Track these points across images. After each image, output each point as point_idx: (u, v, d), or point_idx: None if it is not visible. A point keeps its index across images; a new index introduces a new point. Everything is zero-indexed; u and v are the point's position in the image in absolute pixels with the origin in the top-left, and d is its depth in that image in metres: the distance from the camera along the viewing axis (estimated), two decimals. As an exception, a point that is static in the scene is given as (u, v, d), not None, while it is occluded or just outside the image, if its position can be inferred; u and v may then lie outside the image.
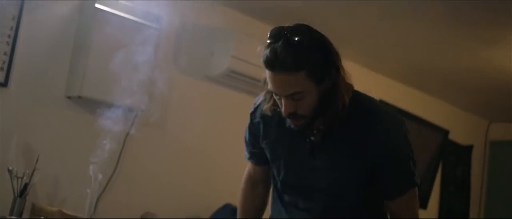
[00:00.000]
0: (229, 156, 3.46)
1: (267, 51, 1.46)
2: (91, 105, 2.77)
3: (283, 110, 1.51)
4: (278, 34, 1.46)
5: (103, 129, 2.59)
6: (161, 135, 3.16)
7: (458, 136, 5.25)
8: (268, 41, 1.48)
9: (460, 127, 5.25)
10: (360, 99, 1.59)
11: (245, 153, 1.88)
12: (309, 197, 1.69)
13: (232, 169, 3.50)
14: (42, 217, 2.43)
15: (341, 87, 1.51)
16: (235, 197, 3.22)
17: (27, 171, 2.48)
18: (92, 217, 2.81)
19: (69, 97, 2.81)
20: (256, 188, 1.92)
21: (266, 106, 1.63)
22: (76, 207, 2.60)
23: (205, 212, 3.22)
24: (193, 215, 3.29)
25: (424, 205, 4.88)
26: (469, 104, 5.11)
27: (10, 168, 2.45)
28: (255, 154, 1.83)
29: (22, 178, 2.45)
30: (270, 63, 1.45)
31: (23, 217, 2.46)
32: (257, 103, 1.74)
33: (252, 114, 1.76)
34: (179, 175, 3.26)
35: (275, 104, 1.59)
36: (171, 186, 3.21)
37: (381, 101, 1.56)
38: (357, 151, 1.57)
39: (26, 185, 2.46)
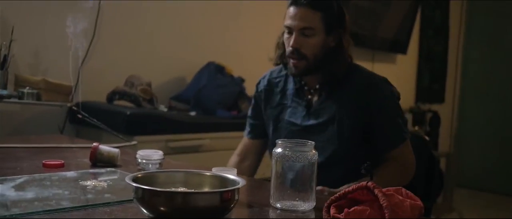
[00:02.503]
0: (211, 13, 3.43)
1: None
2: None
3: (291, 43, 1.74)
4: None
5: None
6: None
7: (436, -22, 5.20)
8: None
9: (438, -31, 5.18)
10: (355, 66, 1.84)
11: (245, 130, 2.05)
12: None
13: (213, 27, 3.50)
14: (27, 87, 2.43)
15: (343, 51, 1.78)
16: (218, 56, 3.27)
17: (4, 43, 2.45)
18: (77, 84, 2.84)
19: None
20: (244, 162, 2.03)
21: (275, 56, 1.86)
22: (60, 76, 2.60)
23: (189, 72, 3.24)
24: (177, 75, 3.32)
25: (403, 50, 4.97)
26: None
27: (-14, 41, 2.41)
28: (255, 126, 2.00)
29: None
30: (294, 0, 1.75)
31: (7, 89, 2.46)
32: (265, 74, 1.97)
33: (258, 84, 1.98)
34: (160, 36, 3.24)
35: (282, 55, 1.82)
36: (153, 48, 3.20)
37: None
38: (351, 112, 1.76)
39: (5, 57, 2.44)
